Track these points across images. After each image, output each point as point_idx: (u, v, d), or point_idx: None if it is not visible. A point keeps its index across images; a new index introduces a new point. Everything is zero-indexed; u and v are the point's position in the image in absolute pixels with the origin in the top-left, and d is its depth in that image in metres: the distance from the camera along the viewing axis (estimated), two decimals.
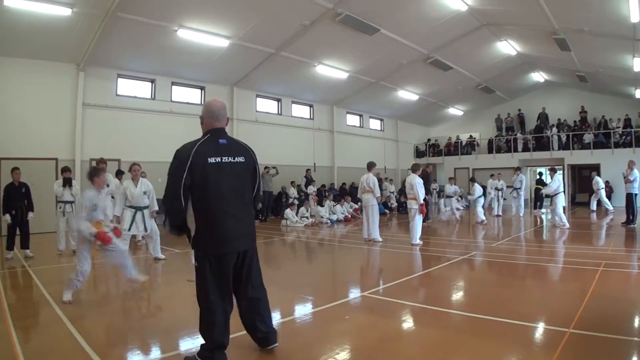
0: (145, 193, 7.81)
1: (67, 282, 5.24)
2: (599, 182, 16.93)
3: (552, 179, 12.54)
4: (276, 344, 3.51)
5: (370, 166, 10.35)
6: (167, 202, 3.21)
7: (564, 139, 22.67)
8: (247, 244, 3.33)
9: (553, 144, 22.76)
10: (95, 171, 5.49)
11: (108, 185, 8.49)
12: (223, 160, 3.20)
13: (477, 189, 14.55)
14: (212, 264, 3.18)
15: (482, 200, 14.58)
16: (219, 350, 3.18)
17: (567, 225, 11.95)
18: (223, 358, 3.20)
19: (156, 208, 8.05)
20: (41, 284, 6.08)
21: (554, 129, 23.23)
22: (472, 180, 15.81)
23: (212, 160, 3.15)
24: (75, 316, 4.58)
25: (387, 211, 18.49)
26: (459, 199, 16.16)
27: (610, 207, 17.17)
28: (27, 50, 11.95)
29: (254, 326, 3.47)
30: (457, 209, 15.62)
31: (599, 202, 17.29)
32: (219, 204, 3.16)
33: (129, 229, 7.71)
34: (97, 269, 7.73)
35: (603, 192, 17.17)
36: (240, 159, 3.30)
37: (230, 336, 3.69)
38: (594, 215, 16.13)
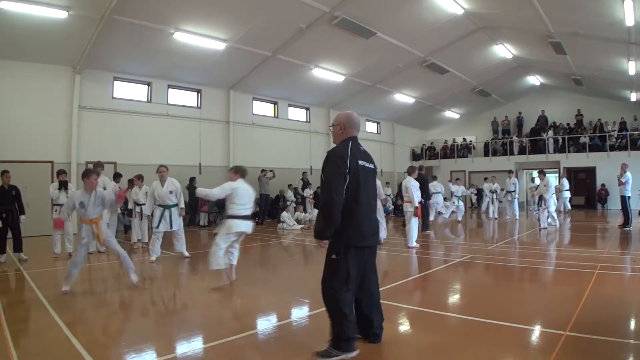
0: (171, 192, 8.23)
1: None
2: (564, 184, 17.35)
3: (541, 181, 13.05)
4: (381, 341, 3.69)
5: None
6: (330, 199, 3.34)
7: (560, 142, 22.75)
8: (376, 240, 3.72)
9: (549, 147, 22.83)
10: (86, 172, 5.89)
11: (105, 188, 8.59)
12: (365, 165, 3.55)
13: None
14: (353, 256, 3.44)
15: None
16: (352, 341, 3.38)
17: (558, 224, 12.95)
18: (355, 346, 3.39)
19: (182, 206, 8.62)
20: (36, 287, 6.04)
21: (550, 132, 23.33)
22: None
23: (361, 163, 3.50)
24: (71, 319, 4.56)
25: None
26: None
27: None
28: (23, 53, 11.91)
29: (372, 321, 3.66)
30: (440, 213, 15.70)
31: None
32: (364, 202, 3.48)
33: (158, 226, 8.22)
34: (93, 271, 7.71)
35: (564, 196, 17.46)
36: (372, 166, 3.66)
37: (221, 340, 3.71)
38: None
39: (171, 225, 8.30)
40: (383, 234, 10.13)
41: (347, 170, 3.37)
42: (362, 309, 3.62)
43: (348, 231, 3.42)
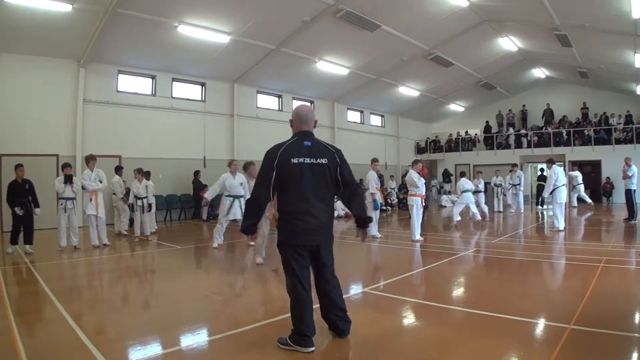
0: (241, 184, 8.86)
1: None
2: (578, 177, 17.06)
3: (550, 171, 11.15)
4: (348, 334, 3.67)
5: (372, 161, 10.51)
6: (253, 197, 3.55)
7: (564, 135, 22.63)
8: (320, 239, 3.55)
9: (560, 139, 22.73)
10: (246, 164, 8.04)
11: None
12: (305, 161, 3.46)
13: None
14: (291, 254, 3.46)
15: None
16: (306, 337, 3.39)
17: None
18: (310, 343, 3.38)
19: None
20: (42, 280, 6.09)
21: (549, 128, 23.29)
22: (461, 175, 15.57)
23: (294, 160, 3.44)
24: (77, 312, 4.60)
25: (388, 208, 18.50)
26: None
27: (589, 201, 17.63)
28: (28, 46, 11.92)
29: (332, 319, 3.64)
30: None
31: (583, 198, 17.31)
32: (297, 200, 3.44)
33: (227, 214, 8.89)
34: (98, 264, 7.75)
35: (582, 187, 17.17)
36: (323, 161, 3.52)
37: (231, 332, 3.72)
38: (575, 211, 16.39)
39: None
40: (374, 230, 10.13)
41: (275, 168, 3.41)
42: (322, 308, 3.66)
43: (282, 229, 3.53)
